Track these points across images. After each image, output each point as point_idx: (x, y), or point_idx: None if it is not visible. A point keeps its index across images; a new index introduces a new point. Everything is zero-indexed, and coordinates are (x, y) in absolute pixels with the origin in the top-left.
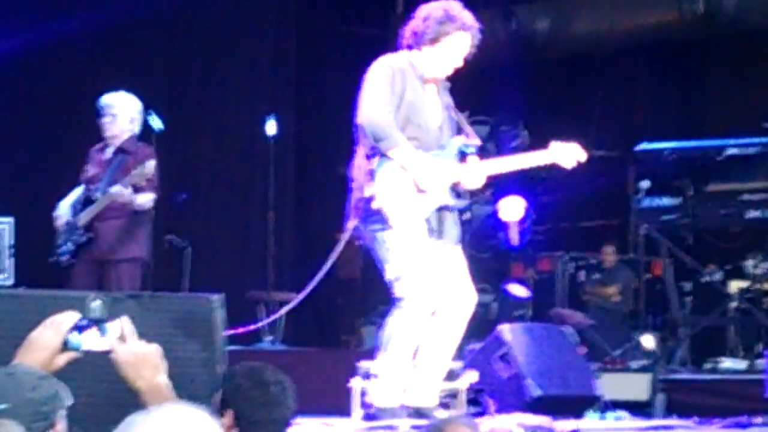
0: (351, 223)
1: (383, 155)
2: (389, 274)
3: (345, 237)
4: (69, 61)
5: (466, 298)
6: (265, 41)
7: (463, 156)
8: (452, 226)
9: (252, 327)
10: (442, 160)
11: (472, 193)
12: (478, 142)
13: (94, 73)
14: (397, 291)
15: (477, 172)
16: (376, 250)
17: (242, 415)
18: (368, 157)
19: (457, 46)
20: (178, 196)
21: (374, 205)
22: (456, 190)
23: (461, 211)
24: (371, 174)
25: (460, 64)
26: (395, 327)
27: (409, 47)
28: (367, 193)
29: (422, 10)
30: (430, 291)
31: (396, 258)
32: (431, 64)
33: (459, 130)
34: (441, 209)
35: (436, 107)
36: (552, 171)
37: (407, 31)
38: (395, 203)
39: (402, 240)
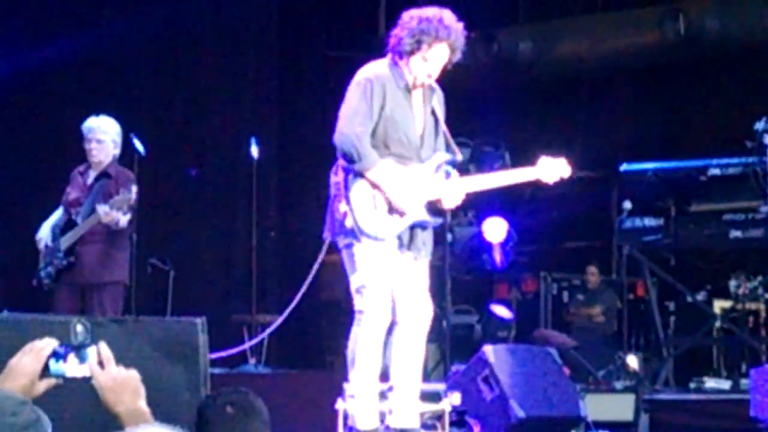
0: (327, 234)
1: (357, 173)
2: (352, 287)
3: (322, 252)
4: (52, 85)
5: (422, 311)
6: (248, 64)
7: (445, 172)
8: (425, 241)
9: (236, 350)
10: (420, 176)
11: (455, 215)
12: (459, 157)
13: (78, 97)
14: (357, 304)
15: (456, 190)
16: (345, 263)
17: None
18: (345, 172)
19: (433, 57)
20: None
21: (346, 221)
22: (432, 207)
23: (436, 228)
24: (346, 190)
25: (436, 74)
26: (356, 343)
27: (392, 53)
28: (340, 209)
29: (403, 18)
30: (388, 305)
31: (359, 271)
32: (410, 73)
33: (445, 141)
34: (414, 226)
35: (419, 115)
36: (536, 192)
37: (392, 37)
38: (365, 220)
39: (367, 255)
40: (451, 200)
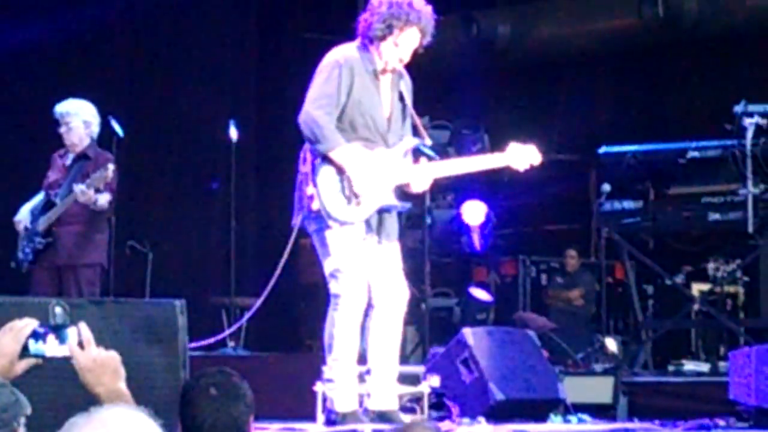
0: (296, 219)
1: (324, 156)
2: (326, 271)
3: (293, 233)
4: (30, 68)
5: (398, 293)
6: (227, 47)
7: (415, 156)
8: (392, 225)
9: (216, 338)
10: (387, 161)
11: (434, 197)
12: (428, 141)
13: (56, 80)
14: (332, 288)
15: (424, 174)
16: (316, 248)
17: (186, 421)
18: (312, 155)
19: (404, 41)
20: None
21: (313, 205)
22: (400, 192)
23: (401, 213)
24: (313, 174)
25: (407, 58)
26: (333, 327)
27: (362, 38)
28: (308, 192)
29: (372, 2)
30: (363, 288)
31: (332, 256)
32: (380, 58)
33: (413, 126)
34: (382, 210)
35: (386, 99)
36: (514, 175)
37: (360, 22)
38: (333, 204)
39: (339, 239)
40: (419, 185)
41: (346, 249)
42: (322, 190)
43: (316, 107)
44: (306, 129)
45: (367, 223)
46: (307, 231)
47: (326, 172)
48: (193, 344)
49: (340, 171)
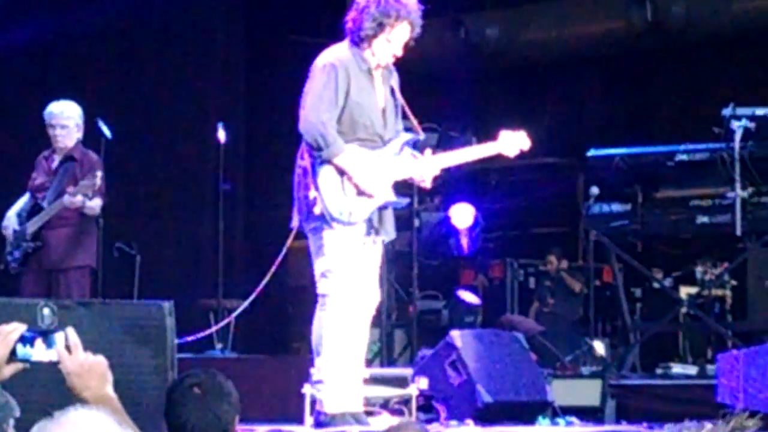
0: (296, 221)
1: (323, 160)
2: (316, 270)
3: (290, 237)
4: (16, 71)
5: (373, 295)
6: (215, 49)
7: (411, 150)
8: (390, 220)
9: (202, 334)
10: (385, 158)
11: (422, 200)
12: (422, 136)
13: (42, 82)
14: (321, 288)
15: (429, 166)
16: (311, 249)
17: (170, 421)
18: (311, 157)
19: (396, 37)
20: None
21: (315, 208)
22: (398, 188)
23: (402, 209)
24: (313, 176)
25: (399, 53)
26: (323, 328)
27: (351, 37)
28: (309, 195)
29: (358, 2)
30: (353, 289)
31: (326, 256)
32: (373, 56)
33: (405, 117)
34: (381, 207)
35: (380, 95)
36: (503, 177)
37: (348, 22)
38: (335, 206)
39: (337, 240)
40: (428, 174)
41: (342, 250)
42: (324, 192)
43: (318, 113)
44: (309, 137)
45: (369, 221)
46: (304, 233)
47: (327, 175)
48: (180, 341)
49: (341, 172)
